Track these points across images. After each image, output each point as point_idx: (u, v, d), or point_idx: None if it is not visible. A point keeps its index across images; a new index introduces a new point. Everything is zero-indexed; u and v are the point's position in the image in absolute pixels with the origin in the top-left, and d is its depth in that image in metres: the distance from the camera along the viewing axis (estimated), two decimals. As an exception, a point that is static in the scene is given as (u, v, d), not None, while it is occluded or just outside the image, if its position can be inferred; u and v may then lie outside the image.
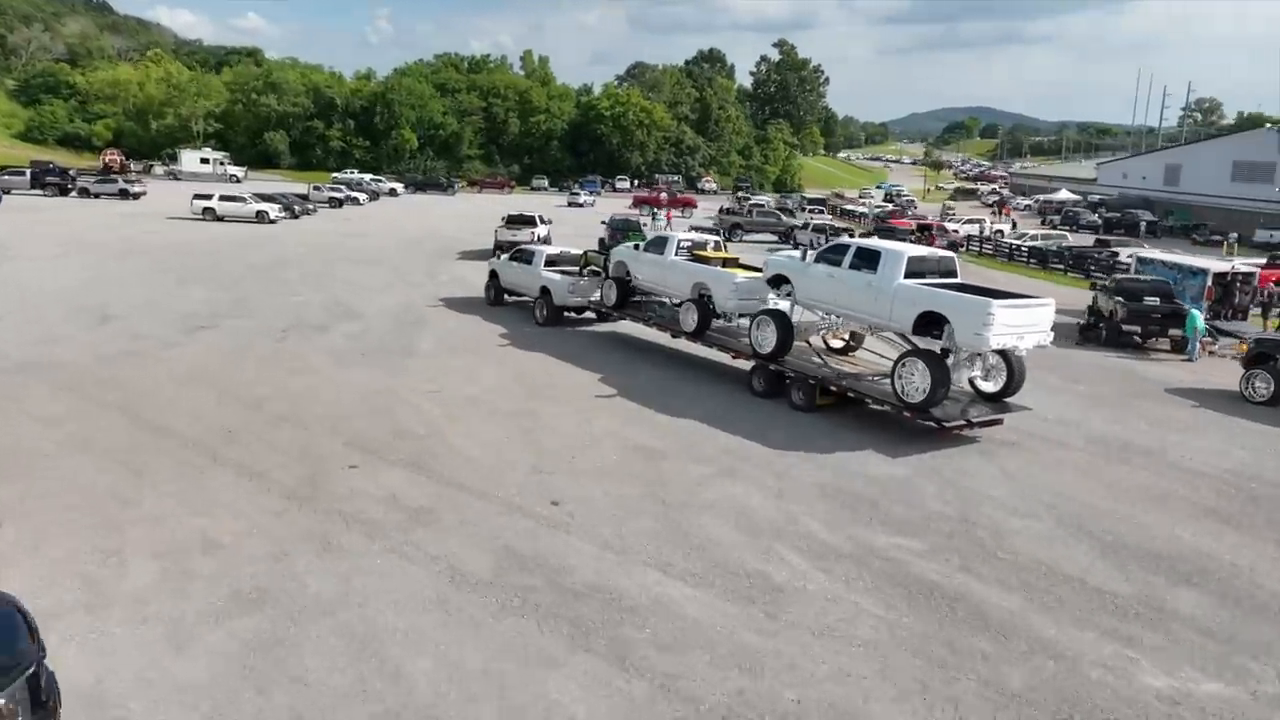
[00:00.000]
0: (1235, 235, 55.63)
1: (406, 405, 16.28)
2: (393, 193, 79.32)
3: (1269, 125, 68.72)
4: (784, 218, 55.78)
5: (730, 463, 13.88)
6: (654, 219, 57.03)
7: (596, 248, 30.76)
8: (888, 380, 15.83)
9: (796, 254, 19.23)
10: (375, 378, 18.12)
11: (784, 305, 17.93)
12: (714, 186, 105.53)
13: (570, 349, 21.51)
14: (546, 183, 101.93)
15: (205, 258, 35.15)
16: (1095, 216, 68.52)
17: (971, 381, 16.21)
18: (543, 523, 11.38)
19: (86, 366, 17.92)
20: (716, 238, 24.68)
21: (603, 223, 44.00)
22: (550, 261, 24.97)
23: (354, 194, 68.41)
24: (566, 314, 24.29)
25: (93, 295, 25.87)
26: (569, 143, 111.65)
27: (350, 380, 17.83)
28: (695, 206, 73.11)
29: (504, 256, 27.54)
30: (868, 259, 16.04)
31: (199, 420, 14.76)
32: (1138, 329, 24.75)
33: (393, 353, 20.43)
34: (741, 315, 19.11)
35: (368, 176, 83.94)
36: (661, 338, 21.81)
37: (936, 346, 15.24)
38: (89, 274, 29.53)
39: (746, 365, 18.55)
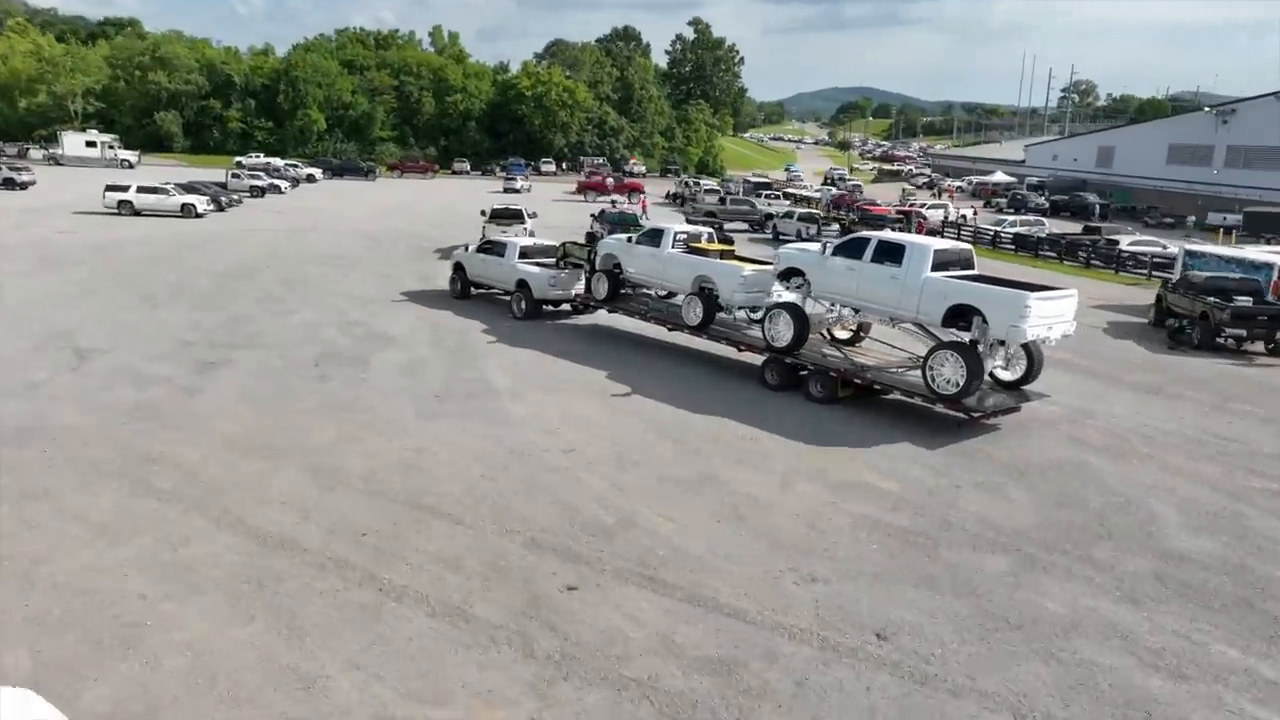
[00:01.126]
0: (1225, 219, 56.04)
1: (553, 474, 12.84)
2: (310, 179, 73.10)
3: (1207, 109, 70.26)
4: (758, 205, 53.19)
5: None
6: (614, 205, 53.52)
7: (578, 240, 27.95)
8: (910, 372, 16.41)
9: (811, 247, 19.01)
10: (480, 432, 14.53)
11: (795, 298, 17.82)
12: (642, 169, 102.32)
13: (647, 365, 18.77)
14: (469, 166, 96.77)
15: (149, 264, 30.07)
16: (1043, 199, 68.65)
17: (990, 372, 16.03)
18: (905, 676, 8.31)
19: (103, 431, 13.72)
20: (709, 229, 23.46)
21: (592, 216, 40.50)
22: (524, 254, 23.89)
23: (275, 181, 62.31)
24: (545, 307, 23.59)
25: (44, 318, 21.07)
26: (487, 124, 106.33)
27: (453, 438, 14.20)
28: (643, 191, 69.82)
29: (471, 248, 25.69)
30: (891, 252, 16.04)
31: (310, 519, 11.00)
32: (1243, 332, 23.20)
33: (471, 393, 16.79)
34: (739, 308, 19.31)
35: (280, 162, 77.22)
36: (656, 331, 21.09)
37: (964, 338, 15.36)
38: (21, 289, 24.38)
39: (741, 356, 18.76)
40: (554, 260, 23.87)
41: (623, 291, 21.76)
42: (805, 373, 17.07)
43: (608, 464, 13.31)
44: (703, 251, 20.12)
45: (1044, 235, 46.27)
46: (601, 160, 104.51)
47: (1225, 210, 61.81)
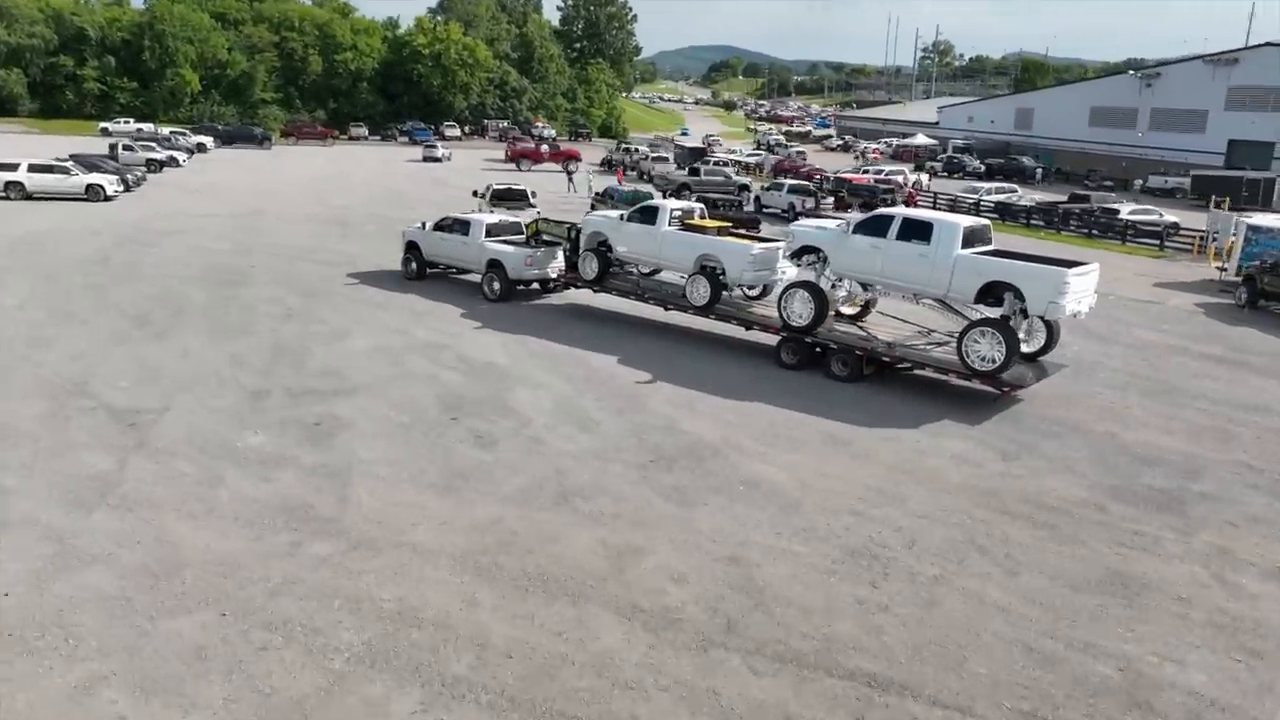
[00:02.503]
0: (1165, 182, 56.88)
1: (883, 612, 9.70)
2: (201, 148, 64.96)
3: (1131, 71, 71.85)
4: (733, 176, 50.16)
5: None
6: (571, 178, 49.48)
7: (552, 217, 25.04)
8: (935, 348, 16.71)
9: (828, 224, 18.65)
10: (762, 521, 11.15)
11: (809, 276, 17.60)
12: (551, 133, 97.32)
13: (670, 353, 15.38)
14: (366, 131, 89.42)
15: (95, 269, 24.54)
16: (978, 163, 68.58)
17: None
18: None
19: (285, 579, 9.57)
20: (700, 205, 22.55)
21: (598, 194, 36.55)
22: (490, 231, 22.57)
23: (174, 152, 54.70)
24: (519, 288, 22.53)
25: (28, 360, 16.00)
26: (380, 84, 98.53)
27: (743, 534, 10.79)
28: (579, 159, 65.52)
29: (427, 226, 23.91)
30: (918, 230, 16.04)
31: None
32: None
33: (684, 449, 13.27)
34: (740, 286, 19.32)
35: (167, 129, 68.51)
36: (631, 307, 20.56)
37: (995, 314, 15.48)
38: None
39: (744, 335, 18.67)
40: (524, 238, 22.72)
41: (612, 271, 20.94)
42: (829, 351, 16.92)
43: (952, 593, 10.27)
44: (701, 229, 19.47)
45: (1033, 204, 45.34)
46: (507, 123, 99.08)
47: (1151, 171, 63.46)
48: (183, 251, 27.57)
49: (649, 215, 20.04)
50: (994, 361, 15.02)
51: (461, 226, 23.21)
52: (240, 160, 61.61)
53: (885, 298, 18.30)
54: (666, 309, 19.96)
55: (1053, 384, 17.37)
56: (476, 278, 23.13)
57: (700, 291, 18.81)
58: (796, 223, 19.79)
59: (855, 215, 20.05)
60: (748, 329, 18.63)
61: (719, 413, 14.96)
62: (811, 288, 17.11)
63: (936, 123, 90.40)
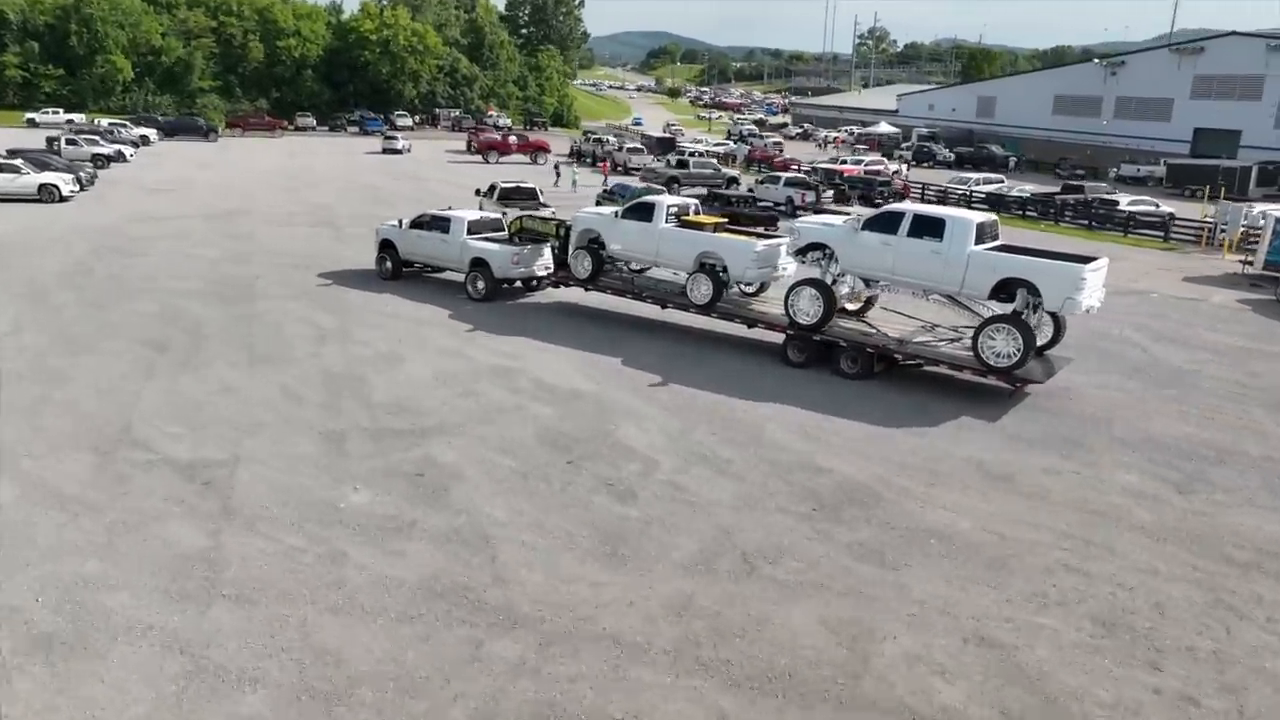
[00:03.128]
0: (1139, 170, 57.30)
1: None
2: (144, 141, 61.00)
3: (1096, 60, 72.46)
4: (721, 169, 48.77)
5: None
6: (559, 171, 47.59)
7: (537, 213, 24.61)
8: (946, 345, 16.67)
9: (834, 220, 18.44)
10: (961, 586, 9.86)
11: (815, 273, 17.50)
12: (506, 121, 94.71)
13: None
14: (314, 121, 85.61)
15: (79, 281, 22.10)
16: (948, 152, 68.47)
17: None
18: None
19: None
20: (695, 200, 22.25)
21: (606, 192, 34.78)
22: (471, 229, 21.93)
23: (120, 146, 51.11)
24: (504, 286, 21.95)
25: (49, 400, 13.83)
26: (324, 72, 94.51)
27: (947, 606, 9.47)
28: (548, 150, 63.46)
29: (404, 223, 23.12)
30: (930, 227, 15.96)
31: None
32: None
33: (854, 505, 11.89)
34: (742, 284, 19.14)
35: (105, 121, 64.29)
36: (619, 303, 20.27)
37: (1007, 310, 15.58)
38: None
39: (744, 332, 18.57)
40: (508, 236, 22.22)
41: (605, 269, 20.46)
42: (838, 348, 16.72)
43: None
44: (699, 225, 19.21)
45: (1027, 195, 44.99)
46: (459, 112, 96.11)
47: (1122, 159, 64.08)
48: (171, 260, 25.11)
49: (645, 212, 19.54)
50: (1010, 358, 15.04)
51: (441, 224, 22.39)
52: (189, 154, 58.04)
53: (885, 293, 18.14)
54: (664, 307, 19.63)
55: (1167, 395, 16.53)
56: (456, 276, 22.51)
57: (702, 290, 18.45)
58: (800, 219, 19.28)
59: (863, 211, 19.95)
60: (750, 327, 18.44)
61: (851, 444, 13.60)
62: (820, 285, 16.92)
63: (896, 110, 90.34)
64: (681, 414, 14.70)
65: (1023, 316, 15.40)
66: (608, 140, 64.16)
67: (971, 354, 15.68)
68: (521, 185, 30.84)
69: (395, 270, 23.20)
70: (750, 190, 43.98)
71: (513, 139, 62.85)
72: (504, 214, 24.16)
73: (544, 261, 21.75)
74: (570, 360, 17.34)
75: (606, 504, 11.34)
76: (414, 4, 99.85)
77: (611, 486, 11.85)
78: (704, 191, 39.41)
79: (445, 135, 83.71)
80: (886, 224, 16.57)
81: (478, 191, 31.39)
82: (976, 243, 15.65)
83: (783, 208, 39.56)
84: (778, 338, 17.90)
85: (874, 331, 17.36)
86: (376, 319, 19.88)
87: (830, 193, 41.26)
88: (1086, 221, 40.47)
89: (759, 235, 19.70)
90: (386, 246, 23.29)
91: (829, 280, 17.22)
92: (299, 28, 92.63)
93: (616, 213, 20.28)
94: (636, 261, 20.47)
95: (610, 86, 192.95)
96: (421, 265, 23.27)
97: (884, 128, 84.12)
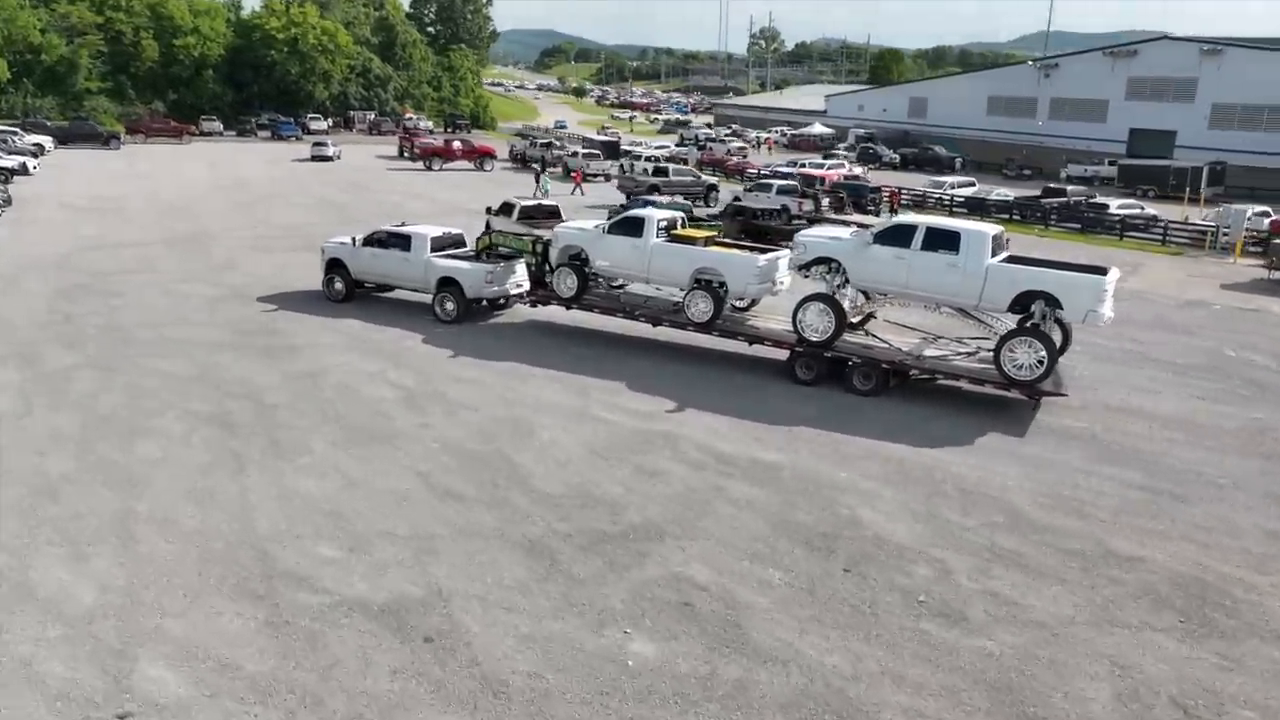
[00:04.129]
0: (1086, 170, 58.10)
1: None
2: (40, 150, 54.58)
3: (1030, 62, 73.80)
4: (702, 176, 46.70)
5: None
6: (545, 185, 44.69)
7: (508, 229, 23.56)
8: (958, 358, 16.54)
9: (841, 233, 18.07)
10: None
11: (822, 288, 16.99)
12: (429, 125, 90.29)
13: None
14: (220, 125, 79.40)
15: (69, 332, 18.38)
16: (894, 154, 68.37)
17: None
18: None
19: None
20: (682, 213, 21.36)
21: (623, 207, 32.07)
22: (435, 246, 20.60)
23: (22, 157, 45.29)
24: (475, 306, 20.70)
25: (128, 508, 10.64)
26: (227, 72, 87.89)
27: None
28: (495, 156, 60.07)
29: (357, 241, 21.43)
30: (945, 240, 15.76)
31: None
32: None
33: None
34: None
35: (-6, 127, 57.34)
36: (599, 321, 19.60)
37: (1015, 321, 15.68)
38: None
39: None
40: (475, 252, 21.03)
41: (590, 286, 19.52)
42: (852, 365, 16.39)
43: None
44: (690, 239, 18.54)
45: (1009, 199, 44.65)
46: (374, 114, 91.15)
47: (1053, 159, 65.31)
48: (161, 301, 21.36)
49: (633, 227, 18.72)
50: (1034, 371, 14.92)
51: (400, 241, 20.89)
52: (96, 165, 52.19)
53: (884, 305, 17.97)
54: (655, 325, 18.87)
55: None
56: (415, 296, 21.13)
57: (701, 307, 17.77)
58: (805, 232, 18.61)
59: (873, 222, 19.53)
60: (750, 344, 17.86)
61: (1129, 518, 11.76)
62: (829, 300, 16.48)
63: (824, 111, 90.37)
64: (899, 483, 12.58)
65: (1041, 328, 15.25)
66: (559, 144, 61.34)
67: (992, 367, 15.57)
68: (543, 204, 28.03)
69: (348, 292, 21.52)
70: (737, 198, 42.15)
71: (457, 144, 59.17)
72: (531, 235, 21.94)
73: (517, 279, 20.59)
74: (711, 417, 14.95)
75: (945, 634, 9.11)
76: (321, 1, 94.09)
77: (924, 603, 9.63)
78: (711, 205, 37.13)
79: (368, 140, 79.04)
80: (899, 237, 16.19)
81: (489, 210, 28.38)
82: (990, 255, 15.59)
83: (777, 218, 37.78)
84: (769, 352, 17.54)
85: (886, 345, 16.97)
86: (455, 367, 16.97)
87: (826, 201, 39.71)
88: (1077, 225, 40.28)
89: (755, 249, 19.12)
90: (336, 266, 21.57)
91: (830, 294, 16.69)
92: (197, 25, 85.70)
93: (601, 228, 19.26)
94: (625, 279, 19.55)
95: (517, 87, 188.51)
96: (376, 285, 21.79)
97: (818, 128, 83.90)
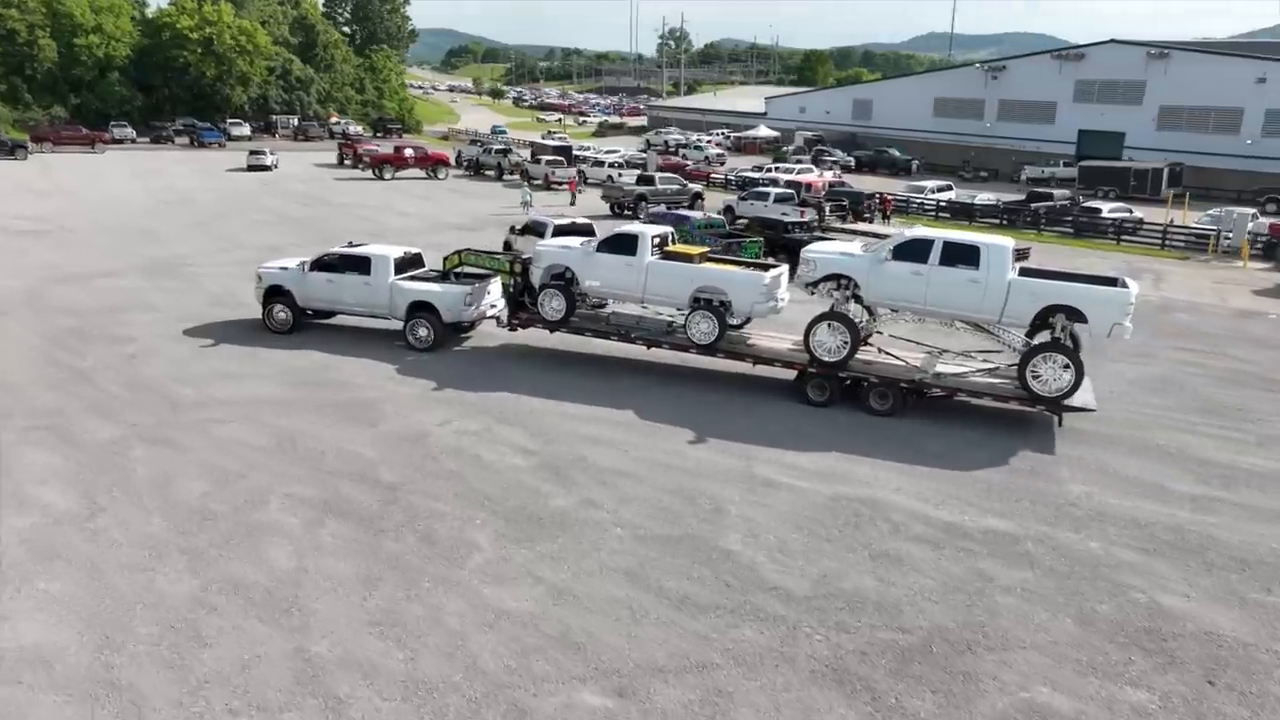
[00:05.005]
0: (1043, 171, 58.72)
1: None
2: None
3: (978, 64, 74.51)
4: (686, 184, 44.85)
5: None
6: (527, 196, 42.20)
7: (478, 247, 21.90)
8: (974, 375, 16.12)
9: (851, 248, 17.61)
10: None
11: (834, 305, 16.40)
12: (358, 129, 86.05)
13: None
14: (132, 132, 73.66)
15: (140, 416, 15.44)
16: (849, 157, 67.89)
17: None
18: None
19: None
20: (669, 228, 19.93)
21: (654, 219, 30.02)
22: (400, 267, 19.28)
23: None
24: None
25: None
26: (134, 75, 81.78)
27: None
28: (448, 164, 57.00)
29: (305, 265, 19.72)
30: (964, 254, 15.34)
31: None
32: None
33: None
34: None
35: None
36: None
37: (1045, 337, 15.27)
38: None
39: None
40: (440, 273, 19.83)
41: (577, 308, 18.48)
42: (868, 385, 15.86)
43: None
44: (685, 256, 17.74)
45: (995, 204, 44.34)
46: (297, 119, 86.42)
47: (1002, 160, 66.10)
48: (178, 345, 18.42)
49: (626, 244, 17.69)
50: (1061, 387, 14.65)
51: (358, 264, 19.28)
52: (7, 177, 47.14)
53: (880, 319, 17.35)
54: (649, 347, 17.88)
55: None
56: (367, 322, 19.84)
57: (704, 328, 16.94)
58: (813, 248, 17.66)
59: (883, 232, 18.12)
60: (755, 364, 17.09)
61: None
62: (843, 319, 15.94)
63: (764, 113, 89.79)
64: (1164, 552, 11.11)
65: (1061, 342, 14.95)
66: (513, 151, 58.68)
67: (1005, 381, 15.52)
68: (577, 221, 25.79)
69: (294, 321, 19.65)
70: (729, 207, 40.58)
71: (409, 152, 55.87)
72: (510, 254, 20.44)
73: (491, 299, 19.47)
74: (891, 472, 13.26)
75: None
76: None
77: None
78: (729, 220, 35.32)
79: (300, 146, 74.65)
80: (915, 252, 15.65)
81: (512, 229, 26.05)
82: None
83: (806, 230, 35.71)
84: (767, 372, 16.99)
85: (902, 363, 16.42)
86: (567, 421, 14.80)
87: (828, 209, 38.52)
88: (1069, 229, 40.18)
89: (755, 265, 18.42)
90: (277, 294, 19.60)
91: (845, 312, 16.17)
92: (100, 22, 79.49)
93: (590, 245, 18.21)
94: (618, 299, 18.55)
95: (434, 89, 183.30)
96: (325, 313, 20.00)
97: (763, 131, 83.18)
